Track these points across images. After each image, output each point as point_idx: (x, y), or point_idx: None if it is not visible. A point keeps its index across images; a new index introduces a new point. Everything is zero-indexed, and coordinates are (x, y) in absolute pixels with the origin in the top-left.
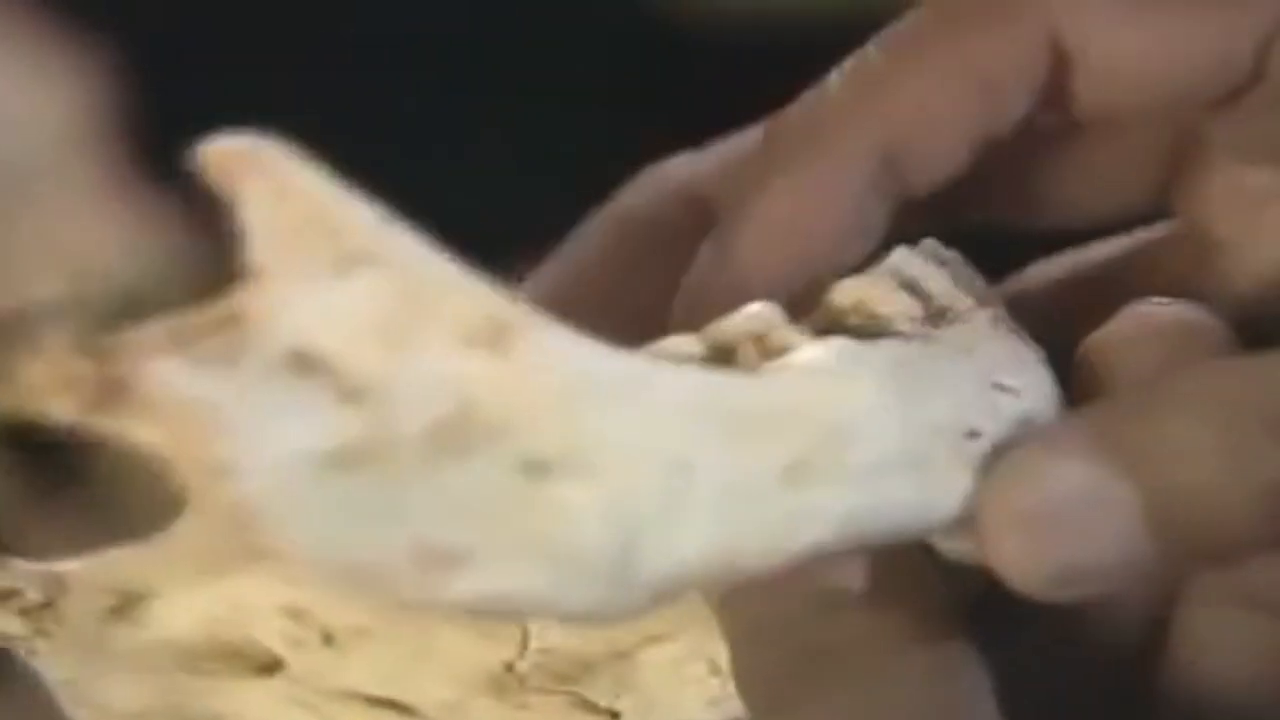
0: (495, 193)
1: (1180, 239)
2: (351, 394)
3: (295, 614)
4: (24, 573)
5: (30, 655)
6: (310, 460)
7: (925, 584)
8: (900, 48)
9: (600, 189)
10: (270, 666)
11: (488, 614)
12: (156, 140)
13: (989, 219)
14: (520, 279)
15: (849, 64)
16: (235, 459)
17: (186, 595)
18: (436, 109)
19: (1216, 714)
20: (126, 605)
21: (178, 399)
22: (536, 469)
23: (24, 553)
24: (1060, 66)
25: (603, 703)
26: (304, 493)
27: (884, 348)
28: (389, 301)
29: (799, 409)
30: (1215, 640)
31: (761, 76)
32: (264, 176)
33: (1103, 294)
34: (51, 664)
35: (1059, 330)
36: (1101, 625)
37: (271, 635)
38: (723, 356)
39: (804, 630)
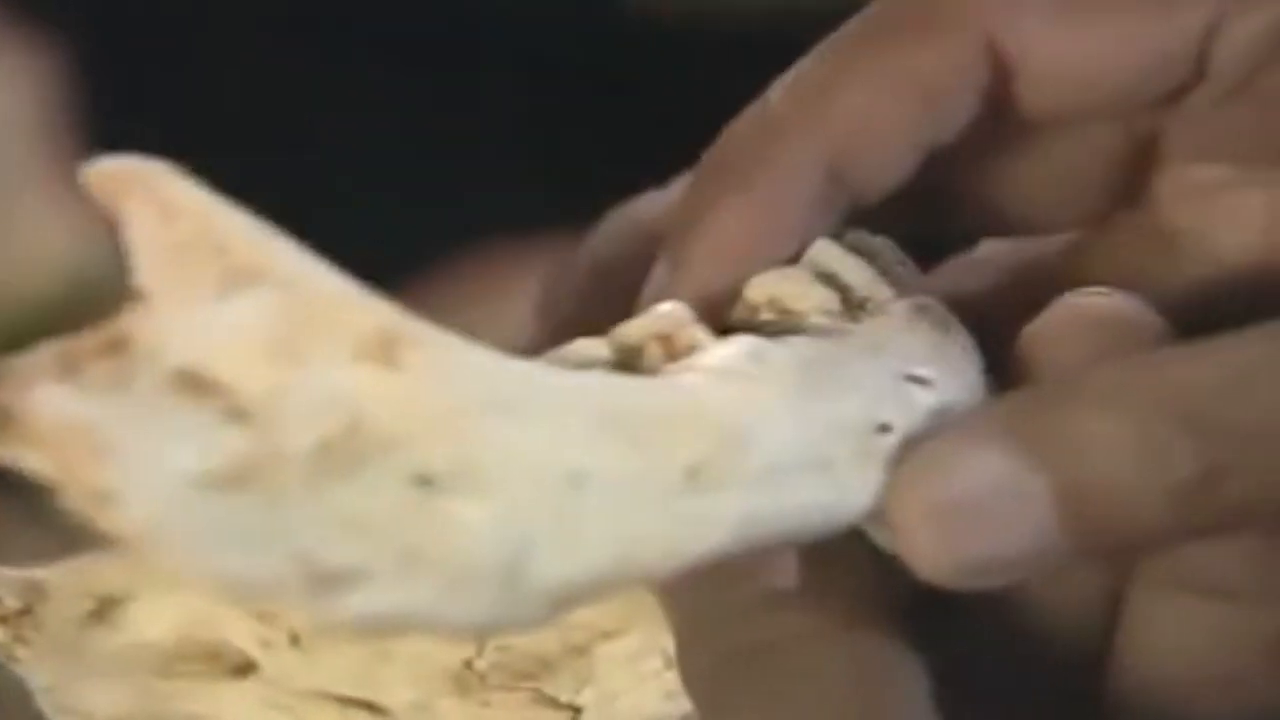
0: (467, 185)
1: (1133, 229)
2: (239, 413)
3: (263, 616)
4: (2, 579)
5: (10, 662)
6: (196, 482)
7: (862, 578)
8: (839, 59)
9: (577, 184)
10: (245, 668)
11: (381, 630)
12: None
13: (948, 225)
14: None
15: (790, 75)
16: (119, 485)
17: (162, 598)
18: (404, 103)
19: (1164, 703)
20: (104, 609)
21: (63, 425)
22: (426, 483)
23: (1, 560)
24: (1001, 73)
25: (563, 698)
26: (190, 515)
27: (791, 345)
28: (276, 318)
29: (698, 413)
30: (1162, 626)
31: (740, 72)
32: (148, 196)
33: (1053, 281)
34: (32, 670)
35: (1006, 316)
36: (1048, 616)
37: (243, 637)
38: (629, 358)
39: (740, 628)
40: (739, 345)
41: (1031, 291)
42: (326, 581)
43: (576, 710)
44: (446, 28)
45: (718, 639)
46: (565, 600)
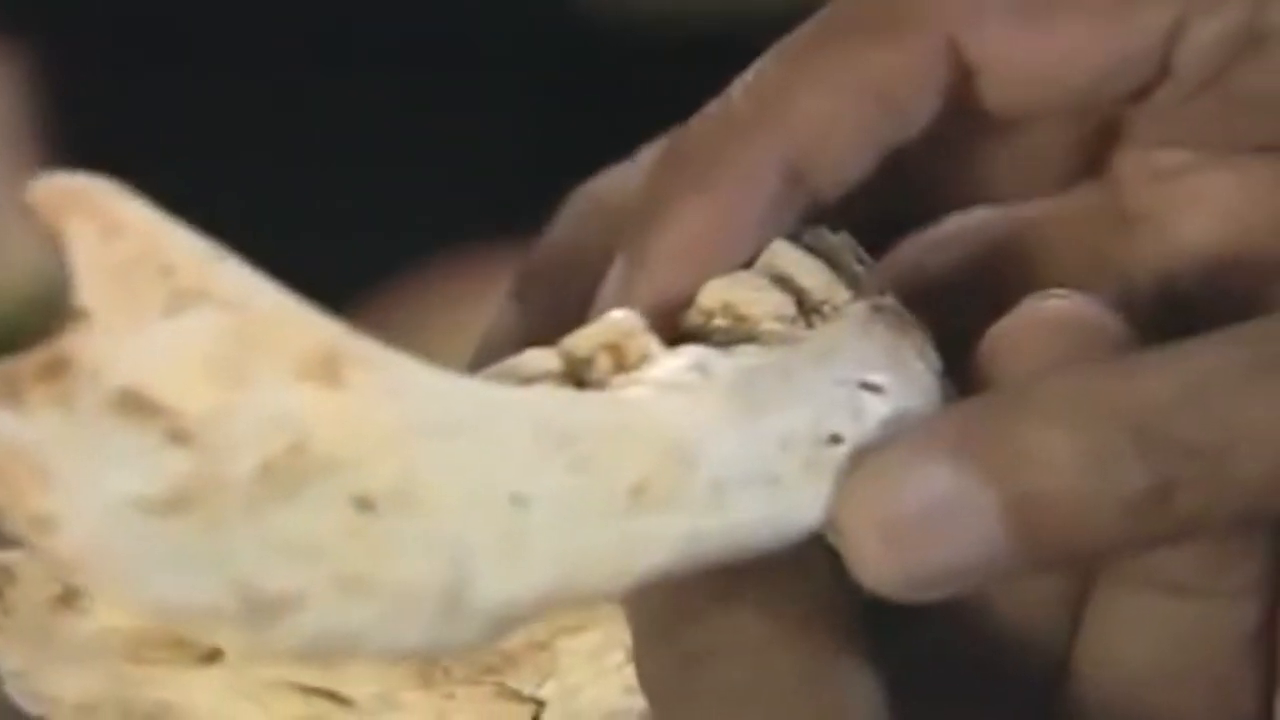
0: (418, 192)
1: (1094, 208)
2: (181, 435)
3: None
4: None
5: None
6: (136, 506)
7: (818, 581)
8: (799, 60)
9: (526, 187)
10: (211, 655)
11: (320, 656)
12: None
13: (910, 207)
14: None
15: (750, 75)
16: (59, 510)
17: None
18: (355, 108)
19: (1121, 704)
20: (71, 594)
21: (3, 449)
22: (368, 505)
23: None
24: (963, 73)
25: (526, 691)
26: (129, 540)
27: (740, 355)
28: (220, 338)
29: (642, 430)
30: (1123, 623)
31: (687, 74)
32: (91, 215)
33: (1016, 262)
34: (2, 654)
35: (970, 297)
36: (1008, 620)
37: None
38: (579, 369)
39: (695, 631)
40: (687, 357)
41: (995, 272)
42: (265, 607)
43: (539, 704)
44: (413, 33)
45: (673, 640)
46: (507, 622)
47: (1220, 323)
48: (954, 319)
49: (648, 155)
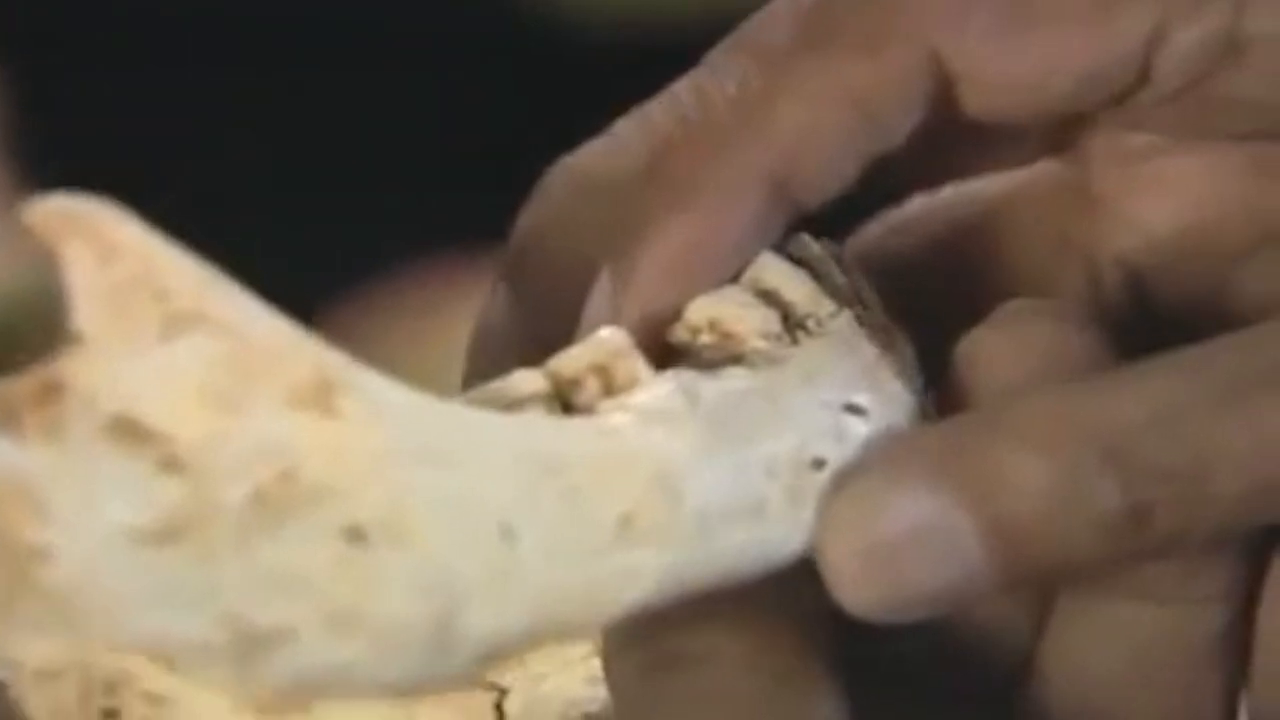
0: (369, 196)
1: (1061, 191)
2: (173, 462)
3: None
4: None
5: None
6: (128, 537)
7: (787, 592)
8: (780, 71)
9: (479, 189)
10: None
11: (308, 692)
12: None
13: (881, 186)
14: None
15: (731, 85)
16: (54, 542)
17: None
18: (306, 112)
19: (1084, 708)
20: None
21: None
22: (358, 536)
23: None
24: (944, 81)
25: (489, 677)
26: (121, 574)
27: (726, 379)
28: (214, 364)
29: (629, 461)
30: (1091, 627)
31: (663, 80)
32: (89, 238)
33: (982, 246)
34: None
35: (936, 280)
36: (974, 626)
37: None
38: (566, 391)
39: (665, 637)
40: (673, 381)
41: (960, 253)
42: (254, 643)
43: (502, 691)
44: (382, 39)
45: (643, 646)
46: (494, 654)
47: (1183, 307)
48: (921, 301)
49: (625, 127)
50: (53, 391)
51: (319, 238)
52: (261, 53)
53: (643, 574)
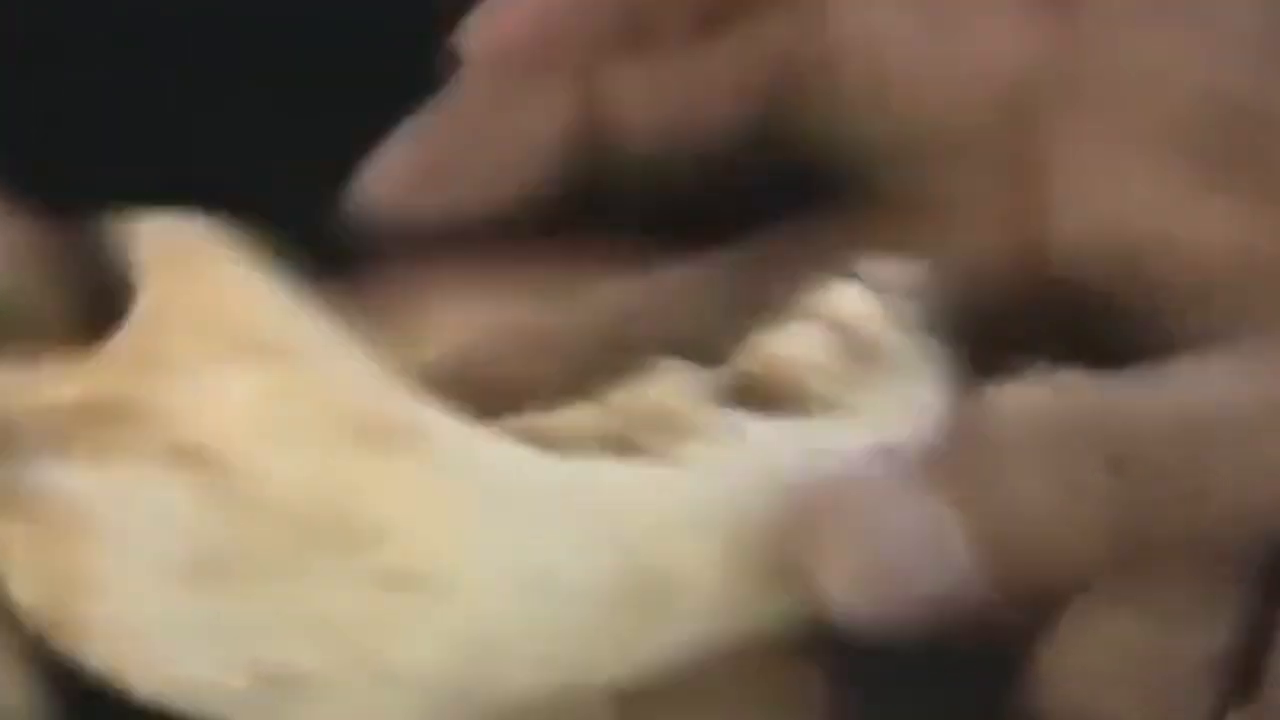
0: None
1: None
2: (222, 494)
3: None
4: None
5: None
6: (171, 572)
7: None
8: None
9: None
10: None
11: None
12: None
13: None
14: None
15: None
16: (99, 572)
17: None
18: (235, 107)
19: (1080, 712)
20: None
21: (46, 499)
22: (397, 582)
23: None
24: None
25: None
26: (162, 609)
27: (783, 429)
28: (278, 397)
29: (681, 520)
30: (1094, 638)
31: None
32: (172, 260)
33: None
34: None
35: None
36: (971, 645)
37: None
38: (626, 430)
39: None
40: (730, 432)
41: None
42: (275, 685)
43: None
44: (266, 34)
45: None
46: (524, 708)
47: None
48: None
49: None
50: (111, 412)
51: (319, 237)
52: (262, 53)
53: (683, 636)
